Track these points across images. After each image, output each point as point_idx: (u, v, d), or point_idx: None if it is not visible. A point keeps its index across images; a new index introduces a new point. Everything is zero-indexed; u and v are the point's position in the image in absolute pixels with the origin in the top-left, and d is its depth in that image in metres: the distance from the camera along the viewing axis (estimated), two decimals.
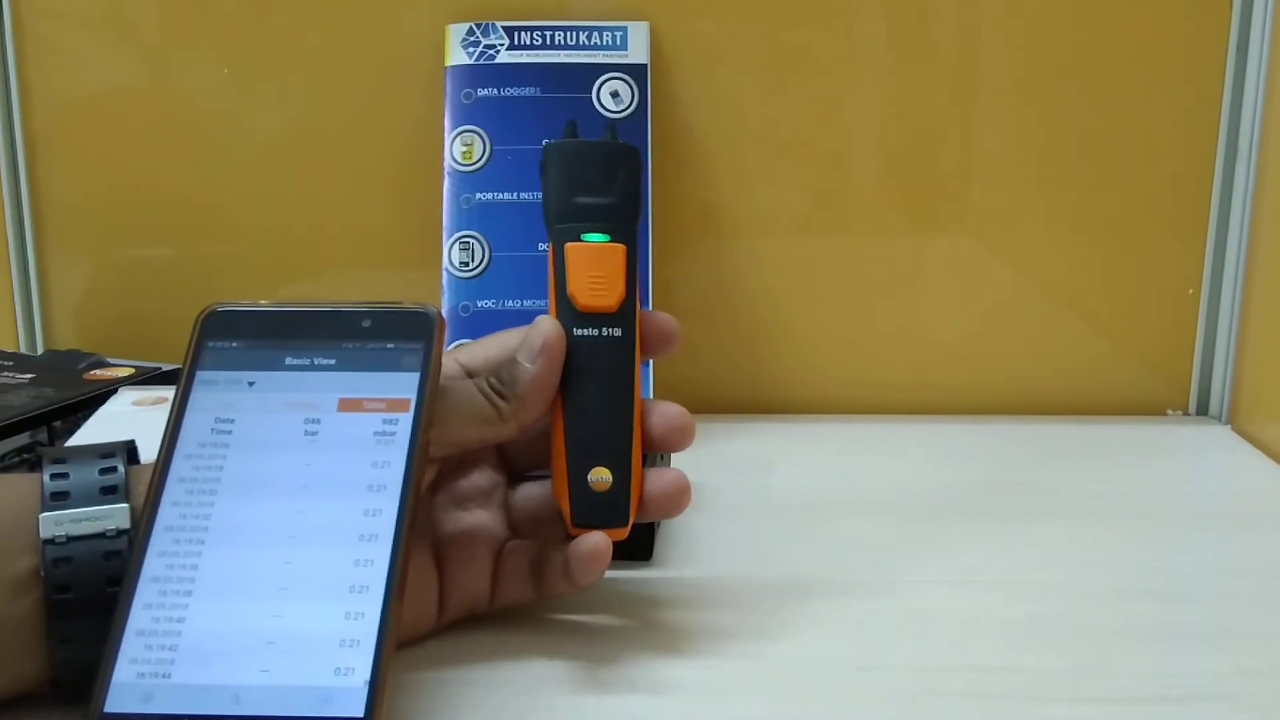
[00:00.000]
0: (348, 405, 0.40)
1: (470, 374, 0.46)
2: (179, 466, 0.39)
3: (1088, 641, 0.47)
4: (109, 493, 0.40)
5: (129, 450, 0.42)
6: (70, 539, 0.38)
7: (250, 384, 0.41)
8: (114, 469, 0.40)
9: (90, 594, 0.38)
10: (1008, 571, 0.53)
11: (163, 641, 0.36)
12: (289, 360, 0.42)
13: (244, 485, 0.39)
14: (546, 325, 0.45)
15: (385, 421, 0.40)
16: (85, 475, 0.40)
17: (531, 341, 0.45)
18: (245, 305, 0.43)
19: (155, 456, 0.40)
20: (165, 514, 0.38)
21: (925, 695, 0.42)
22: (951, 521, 0.59)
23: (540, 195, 0.49)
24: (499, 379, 0.44)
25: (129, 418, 0.66)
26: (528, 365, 0.44)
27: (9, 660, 0.38)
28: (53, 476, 0.40)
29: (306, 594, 0.37)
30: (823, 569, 0.53)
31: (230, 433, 0.40)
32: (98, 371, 0.72)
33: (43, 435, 0.65)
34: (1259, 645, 0.47)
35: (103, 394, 0.68)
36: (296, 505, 0.38)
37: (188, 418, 0.40)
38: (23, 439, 0.64)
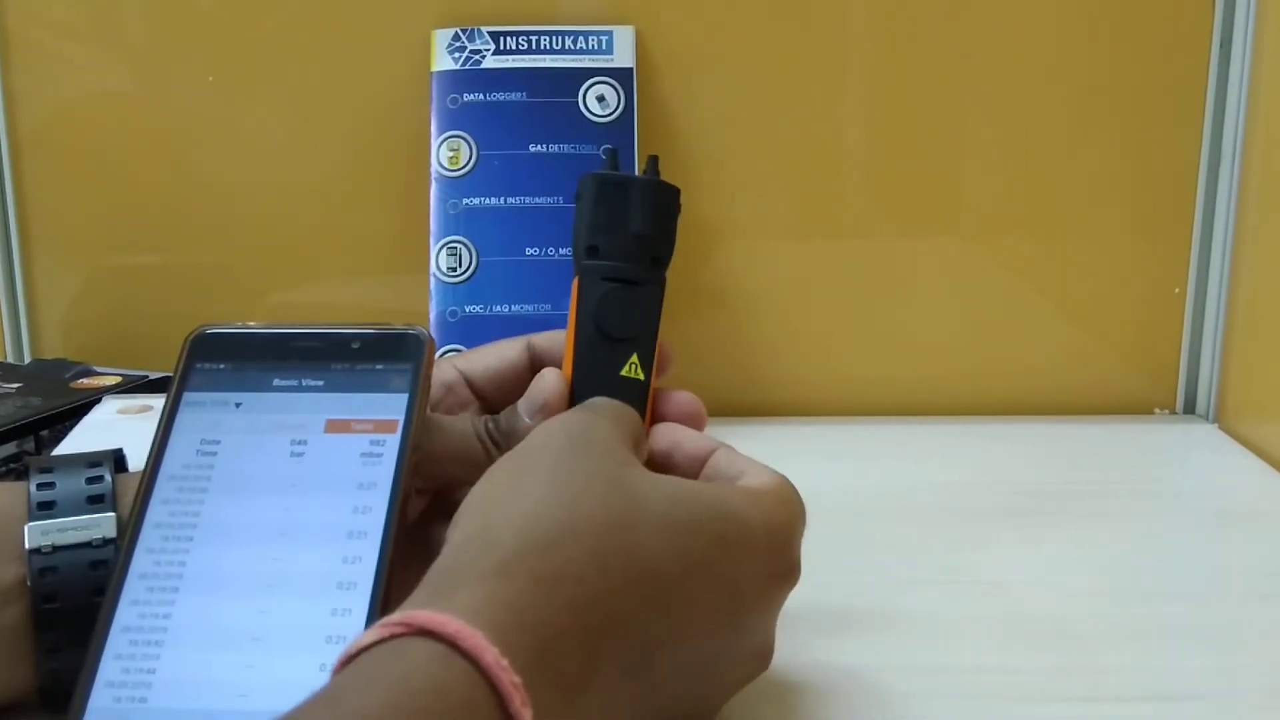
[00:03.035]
0: (335, 426, 0.40)
1: (470, 382, 0.46)
2: (163, 488, 0.39)
3: (1074, 640, 0.47)
4: (96, 502, 0.39)
5: (116, 459, 0.42)
6: (56, 549, 0.38)
7: (237, 405, 0.41)
8: (101, 478, 0.40)
9: (76, 604, 0.38)
10: (995, 571, 0.53)
11: (140, 665, 0.35)
12: (276, 382, 0.41)
13: (228, 506, 0.39)
14: (549, 382, 0.44)
15: (372, 443, 0.40)
16: (72, 484, 0.40)
17: (533, 396, 0.43)
18: (234, 327, 0.43)
19: (140, 473, 0.40)
20: (148, 536, 0.38)
21: (914, 696, 0.43)
22: (940, 521, 0.59)
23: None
24: (496, 426, 0.44)
25: (115, 426, 0.66)
26: (526, 420, 0.43)
27: None
28: (39, 486, 0.40)
29: (282, 640, 0.36)
30: (812, 570, 0.53)
31: (215, 454, 0.40)
32: (85, 380, 0.72)
33: (30, 444, 0.65)
34: (1246, 643, 0.47)
35: (89, 403, 0.68)
36: (280, 528, 0.38)
37: (173, 439, 0.40)
38: (9, 448, 0.64)
